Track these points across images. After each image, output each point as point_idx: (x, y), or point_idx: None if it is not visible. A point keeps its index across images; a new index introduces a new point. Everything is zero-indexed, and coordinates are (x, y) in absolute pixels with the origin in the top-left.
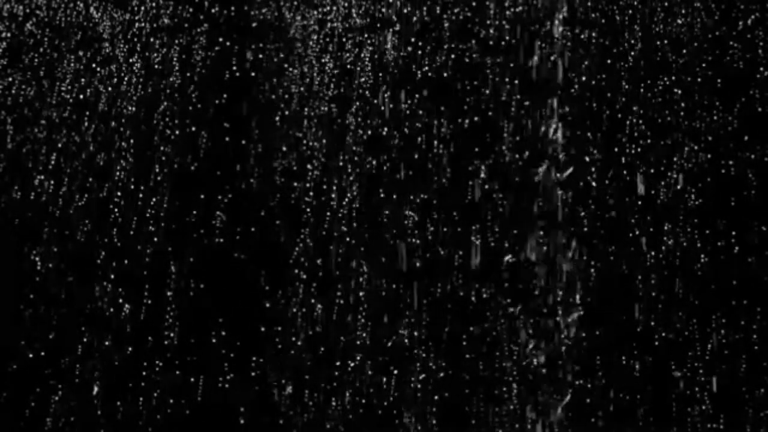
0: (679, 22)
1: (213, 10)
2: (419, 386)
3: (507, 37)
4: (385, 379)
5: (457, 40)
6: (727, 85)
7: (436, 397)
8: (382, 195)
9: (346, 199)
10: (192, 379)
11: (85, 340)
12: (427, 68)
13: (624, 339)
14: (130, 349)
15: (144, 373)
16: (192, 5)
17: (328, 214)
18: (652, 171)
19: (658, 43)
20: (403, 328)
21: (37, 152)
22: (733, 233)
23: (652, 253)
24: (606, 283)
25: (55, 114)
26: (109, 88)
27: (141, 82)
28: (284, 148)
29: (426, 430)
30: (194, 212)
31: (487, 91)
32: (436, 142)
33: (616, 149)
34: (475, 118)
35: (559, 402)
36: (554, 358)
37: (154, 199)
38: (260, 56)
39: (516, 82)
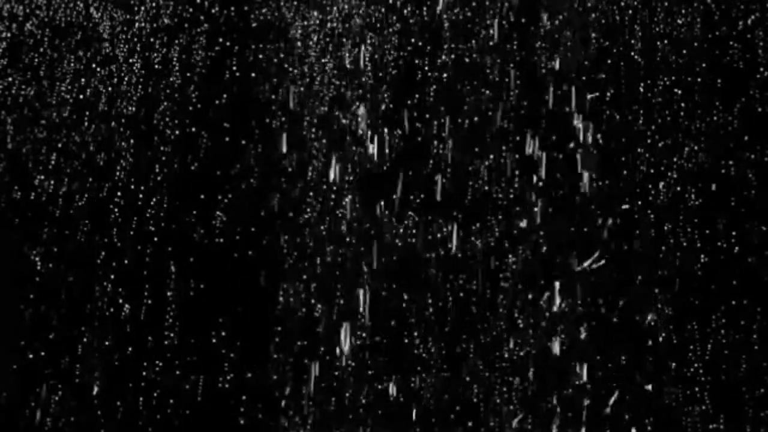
0: (679, 22)
1: (213, 10)
2: (422, 387)
3: (507, 37)
4: (385, 380)
5: (457, 40)
6: (727, 85)
7: (440, 399)
8: (381, 195)
9: (346, 200)
10: (192, 379)
11: (85, 340)
12: (427, 68)
13: (624, 339)
14: (130, 349)
15: (144, 373)
16: (192, 5)
17: (328, 214)
18: (652, 171)
19: (658, 43)
20: (406, 330)
21: (37, 152)
22: (733, 233)
23: (652, 253)
24: (606, 282)
25: (55, 114)
26: (109, 88)
27: (141, 82)
28: (284, 149)
29: (427, 430)
30: (194, 212)
31: (488, 91)
32: (436, 142)
33: (616, 149)
34: (475, 119)
35: (558, 401)
36: (554, 359)
37: (154, 199)
38: (260, 56)
39: (517, 82)
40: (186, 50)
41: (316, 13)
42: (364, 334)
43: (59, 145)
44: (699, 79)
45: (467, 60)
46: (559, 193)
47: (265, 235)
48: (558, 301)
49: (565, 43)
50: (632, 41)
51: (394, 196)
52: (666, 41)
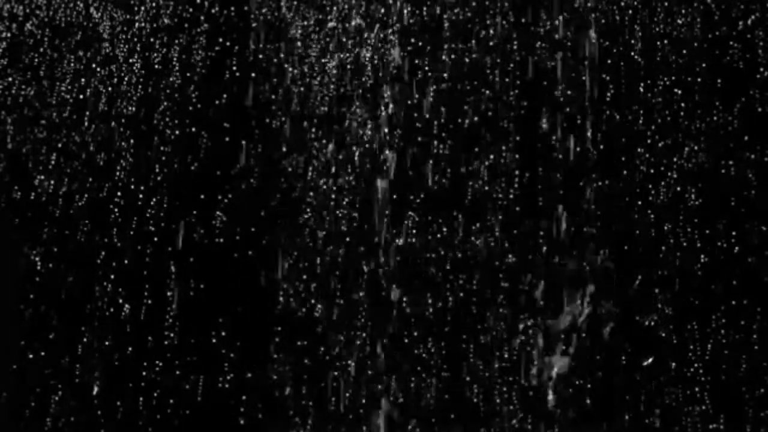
0: (679, 22)
1: (213, 10)
2: (422, 387)
3: (507, 37)
4: (385, 380)
5: (457, 40)
6: (727, 85)
7: (440, 399)
8: (382, 194)
9: (347, 200)
10: (192, 379)
11: (85, 340)
12: (427, 68)
13: (624, 339)
14: (130, 349)
15: (144, 373)
16: (192, 5)
17: (328, 214)
18: (652, 171)
19: (658, 43)
20: (406, 330)
21: (37, 152)
22: (733, 233)
23: (653, 253)
24: (606, 282)
25: (55, 114)
26: (109, 88)
27: (141, 82)
28: (284, 149)
29: (427, 430)
30: (194, 212)
31: (488, 92)
32: (436, 142)
33: (616, 149)
34: (475, 119)
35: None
36: (554, 359)
37: (154, 199)
38: (260, 56)
39: (517, 82)
40: (186, 50)
41: (315, 13)
42: (364, 334)
43: (59, 145)
44: (699, 79)
45: (467, 60)
46: (559, 193)
47: (265, 235)
48: (558, 300)
49: (565, 44)
50: (632, 41)
51: (395, 196)
52: (666, 41)
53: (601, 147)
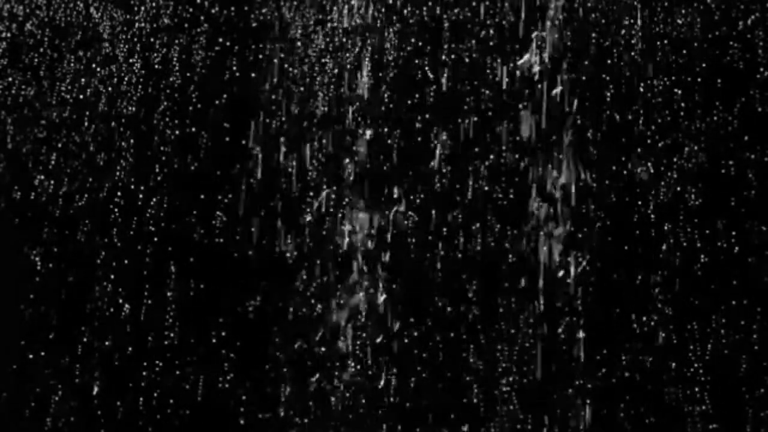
0: (679, 22)
1: (213, 10)
2: (420, 387)
3: (507, 37)
4: (384, 379)
5: (457, 40)
6: (727, 85)
7: (440, 399)
8: (381, 194)
9: (346, 199)
10: (192, 379)
11: (85, 340)
12: (427, 68)
13: (623, 339)
14: (130, 349)
15: (144, 373)
16: (192, 5)
17: (328, 214)
18: (652, 171)
19: (658, 43)
20: (404, 329)
21: (37, 152)
22: (733, 233)
23: (653, 253)
24: (606, 283)
25: (55, 114)
26: (109, 88)
27: (141, 82)
28: (284, 149)
29: (427, 430)
30: (194, 212)
31: (487, 92)
32: (436, 142)
33: (616, 149)
34: (475, 118)
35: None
36: (552, 359)
37: (154, 199)
38: (260, 56)
39: (516, 82)
40: (186, 50)
41: (315, 13)
42: (364, 334)
43: (59, 145)
44: (699, 79)
45: (467, 60)
46: (559, 192)
47: (265, 235)
48: (558, 301)
49: (565, 44)
50: (632, 41)
51: (394, 196)
52: (666, 41)
53: (602, 146)
